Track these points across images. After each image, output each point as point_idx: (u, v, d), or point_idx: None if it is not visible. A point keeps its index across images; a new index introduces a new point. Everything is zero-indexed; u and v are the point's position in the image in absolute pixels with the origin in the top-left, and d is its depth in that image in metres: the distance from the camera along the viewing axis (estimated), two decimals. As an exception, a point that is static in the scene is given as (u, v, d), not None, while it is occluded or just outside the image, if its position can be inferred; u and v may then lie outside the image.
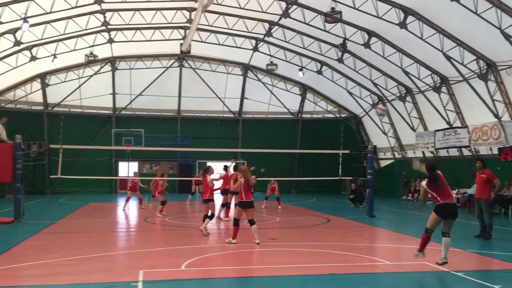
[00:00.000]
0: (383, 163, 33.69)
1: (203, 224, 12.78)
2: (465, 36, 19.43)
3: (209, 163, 33.33)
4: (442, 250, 8.71)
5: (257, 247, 11.34)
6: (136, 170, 22.29)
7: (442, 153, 25.70)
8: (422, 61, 22.81)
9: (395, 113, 28.67)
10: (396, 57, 23.19)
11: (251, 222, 11.64)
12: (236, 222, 11.69)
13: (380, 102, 29.73)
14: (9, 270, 8.79)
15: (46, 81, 30.60)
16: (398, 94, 27.32)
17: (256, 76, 33.02)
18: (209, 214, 12.77)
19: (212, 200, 12.86)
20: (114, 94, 32.23)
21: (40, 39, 24.39)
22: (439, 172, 8.89)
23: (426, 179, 8.83)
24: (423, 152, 27.30)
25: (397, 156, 31.28)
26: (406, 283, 8.30)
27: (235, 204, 13.80)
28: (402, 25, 19.93)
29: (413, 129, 27.46)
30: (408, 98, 26.88)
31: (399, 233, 14.22)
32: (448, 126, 23.95)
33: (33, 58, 26.38)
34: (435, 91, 23.53)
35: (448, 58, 20.39)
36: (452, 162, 25.24)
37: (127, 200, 20.71)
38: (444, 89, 23.33)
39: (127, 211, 20.10)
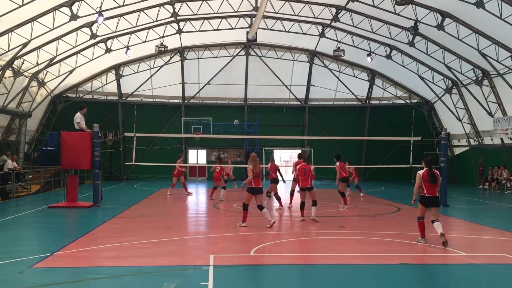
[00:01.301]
0: (457, 151, 32.20)
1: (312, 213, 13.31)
2: (550, 14, 18.02)
3: (275, 151, 34.08)
4: (437, 230, 10.03)
5: (326, 235, 11.25)
6: (182, 155, 23.19)
7: (523, 139, 24.15)
8: (501, 42, 21.40)
9: (470, 98, 27.21)
10: (473, 38, 21.93)
11: (260, 207, 12.08)
12: (245, 207, 12.19)
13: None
14: (88, 252, 9.32)
15: (120, 72, 31.93)
16: (474, 78, 25.88)
17: (323, 62, 32.56)
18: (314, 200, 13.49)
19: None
20: (183, 83, 33.05)
21: (114, 32, 25.44)
22: (436, 171, 10.35)
23: (425, 169, 10.26)
24: (501, 138, 25.78)
25: (472, 143, 29.77)
26: (483, 275, 7.91)
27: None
28: (479, 4, 18.78)
29: (490, 114, 25.96)
30: (485, 82, 25.40)
31: (475, 223, 13.58)
32: (530, 111, 22.42)
33: (108, 50, 27.58)
34: (516, 73, 22.07)
35: (531, 38, 19.03)
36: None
37: (172, 186, 21.82)
38: (525, 71, 21.83)
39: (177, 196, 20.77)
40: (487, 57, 22.58)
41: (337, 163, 17.31)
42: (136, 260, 8.58)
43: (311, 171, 13.24)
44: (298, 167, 13.11)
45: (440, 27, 21.95)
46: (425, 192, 10.26)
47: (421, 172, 10.30)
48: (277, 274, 7.89)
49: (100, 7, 21.25)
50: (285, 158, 41.02)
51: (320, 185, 26.85)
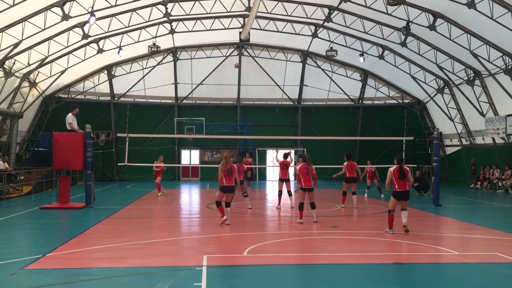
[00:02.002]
0: (449, 150, 32.39)
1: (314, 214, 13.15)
2: (541, 14, 18.15)
3: (268, 151, 34.11)
4: (402, 219, 11.36)
5: (319, 235, 11.27)
6: (161, 156, 22.46)
7: (514, 139, 24.33)
8: (492, 42, 21.56)
9: (462, 97, 27.38)
10: (464, 38, 22.07)
11: (227, 204, 12.52)
12: (217, 203, 12.56)
13: (446, 87, 28.57)
14: (81, 253, 9.27)
15: (112, 72, 31.80)
16: (465, 78, 26.05)
17: (316, 62, 32.62)
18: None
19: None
20: (176, 83, 32.98)
21: (106, 32, 25.33)
22: (406, 168, 11.45)
23: (395, 166, 11.40)
24: (493, 138, 25.96)
25: (464, 142, 29.95)
26: (475, 274, 7.95)
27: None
28: (471, 4, 18.90)
29: (482, 114, 26.14)
30: (477, 82, 25.56)
31: (467, 222, 13.65)
32: (521, 111, 22.59)
33: (100, 51, 27.46)
34: (507, 73, 22.21)
35: (522, 38, 19.17)
36: (525, 149, 23.87)
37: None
38: (517, 71, 21.98)
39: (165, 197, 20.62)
40: (479, 57, 22.73)
41: (345, 163, 17.15)
42: (129, 261, 8.55)
43: (313, 171, 13.17)
44: (299, 167, 13.04)
45: (432, 27, 22.07)
46: (396, 187, 11.32)
47: (392, 169, 11.41)
48: (271, 275, 7.89)
49: (92, 7, 21.17)
50: (279, 159, 40.97)
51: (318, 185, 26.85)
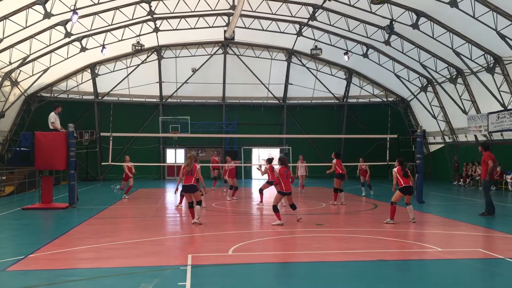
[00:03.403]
0: (433, 148, 32.74)
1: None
2: (521, 13, 18.42)
3: (254, 149, 34.11)
4: (409, 214, 12.82)
5: (304, 233, 11.30)
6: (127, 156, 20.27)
7: (496, 136, 24.68)
8: (474, 40, 21.84)
9: (445, 95, 27.70)
10: (447, 37, 22.32)
11: (196, 203, 12.63)
12: (190, 205, 12.78)
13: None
14: (64, 254, 9.17)
15: (96, 71, 31.51)
16: (448, 76, 26.34)
17: (300, 61, 32.70)
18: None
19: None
20: (160, 82, 32.80)
21: (89, 30, 25.08)
22: (406, 169, 12.87)
23: (397, 167, 12.76)
24: (475, 135, 26.31)
25: (447, 140, 30.30)
26: (458, 270, 8.05)
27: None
28: (453, 3, 19.11)
29: (464, 112, 26.47)
30: (459, 80, 25.88)
31: (450, 219, 13.81)
32: (502, 108, 22.90)
33: (83, 49, 27.17)
34: (489, 71, 22.51)
35: (503, 37, 19.41)
36: (507, 146, 24.21)
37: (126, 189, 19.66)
38: (498, 69, 22.27)
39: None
40: (461, 56, 23.00)
41: (334, 160, 17.19)
42: (113, 261, 8.48)
43: (291, 174, 13.05)
44: (279, 170, 12.79)
45: (415, 26, 22.27)
46: (402, 183, 12.63)
47: (395, 169, 12.79)
48: (256, 273, 7.89)
49: (75, 5, 20.96)
50: (264, 157, 41.04)
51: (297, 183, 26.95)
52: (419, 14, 21.81)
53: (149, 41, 29.10)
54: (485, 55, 22.24)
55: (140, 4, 24.09)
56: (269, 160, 16.50)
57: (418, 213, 15.25)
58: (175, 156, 34.22)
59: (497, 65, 22.17)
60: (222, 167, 20.56)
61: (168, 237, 11.18)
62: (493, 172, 15.16)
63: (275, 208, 12.51)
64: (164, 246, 10.17)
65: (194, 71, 31.82)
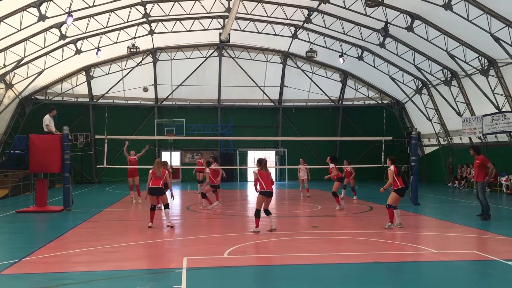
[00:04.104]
0: (428, 150, 32.85)
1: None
2: (514, 16, 18.54)
3: (249, 152, 34.10)
4: (396, 218, 12.00)
5: (299, 235, 11.30)
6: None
7: (490, 138, 24.79)
8: (468, 43, 21.95)
9: (440, 98, 27.79)
10: (441, 40, 22.41)
11: (164, 207, 12.70)
12: (152, 207, 12.74)
13: (424, 87, 28.97)
14: (59, 257, 9.13)
15: (91, 73, 31.42)
16: (443, 79, 26.45)
17: (296, 63, 32.75)
18: None
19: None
20: (155, 85, 32.74)
21: (84, 33, 25.01)
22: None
23: (392, 166, 12.21)
24: (469, 138, 26.41)
25: (442, 142, 30.41)
26: (453, 272, 8.06)
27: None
28: (447, 6, 19.19)
29: (459, 114, 26.58)
30: (454, 82, 25.99)
31: (445, 221, 13.86)
32: (496, 111, 23.02)
33: (78, 52, 27.10)
34: (483, 74, 22.62)
35: (497, 39, 19.50)
36: (502, 148, 24.33)
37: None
38: (492, 72, 22.38)
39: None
40: (455, 58, 23.11)
41: (332, 165, 17.03)
42: (108, 265, 8.45)
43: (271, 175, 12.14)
44: (257, 170, 11.81)
45: (409, 28, 22.35)
46: (398, 185, 12.03)
47: (391, 167, 12.16)
48: (251, 276, 7.88)
49: (69, 8, 20.88)
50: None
51: (295, 185, 26.97)
52: (413, 17, 21.90)
53: (144, 44, 29.07)
54: (480, 57, 22.36)
55: (135, 6, 24.05)
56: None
57: (413, 215, 15.31)
58: (171, 159, 34.12)
59: (491, 68, 22.28)
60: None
61: (163, 240, 11.15)
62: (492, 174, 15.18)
63: (257, 213, 11.64)
64: (159, 249, 10.15)
65: (146, 90, 31.45)
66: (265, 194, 11.67)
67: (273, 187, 12.06)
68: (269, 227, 11.77)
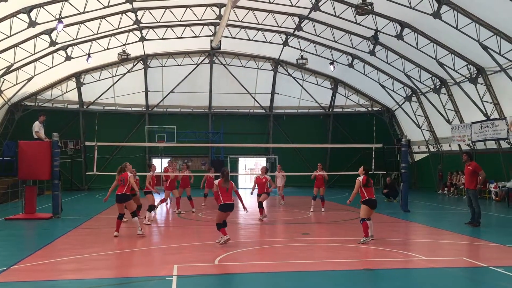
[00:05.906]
0: (418, 157, 33.07)
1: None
2: (502, 25, 18.77)
3: (240, 158, 34.09)
4: (369, 230, 11.01)
5: (290, 242, 11.29)
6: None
7: (479, 145, 25.01)
8: (457, 51, 22.20)
9: (429, 105, 28.04)
10: (430, 48, 22.65)
11: (132, 215, 12.46)
12: (120, 216, 12.46)
13: (413, 95, 29.21)
14: (48, 265, 9.04)
15: (81, 80, 31.29)
16: (432, 86, 26.70)
17: (287, 70, 32.88)
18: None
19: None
20: (146, 91, 32.69)
21: (74, 39, 24.92)
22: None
23: (362, 177, 11.33)
24: (459, 145, 26.63)
25: (432, 149, 30.63)
26: (443, 279, 8.10)
27: None
28: (436, 15, 19.42)
29: (448, 121, 26.82)
30: (443, 90, 26.24)
31: (435, 228, 13.93)
32: (485, 118, 23.26)
33: (68, 58, 26.99)
34: (471, 82, 22.87)
35: (485, 48, 19.76)
36: (490, 155, 24.55)
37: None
38: (480, 80, 22.64)
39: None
40: (444, 66, 23.35)
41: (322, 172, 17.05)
42: (98, 272, 8.39)
43: (234, 188, 11.18)
44: (217, 182, 10.90)
45: (399, 36, 22.56)
46: (366, 195, 11.17)
47: (360, 178, 11.32)
48: (242, 283, 7.86)
49: (60, 14, 20.80)
50: (250, 166, 41.06)
51: (289, 192, 26.97)
52: (403, 25, 22.12)
53: (135, 50, 29.03)
54: (468, 65, 22.61)
55: (126, 13, 24.05)
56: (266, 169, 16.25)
57: (403, 222, 15.38)
58: (161, 166, 33.96)
59: (480, 76, 22.54)
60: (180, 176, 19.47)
61: (153, 247, 11.09)
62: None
63: (219, 227, 10.87)
64: (150, 256, 10.09)
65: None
66: (224, 209, 10.79)
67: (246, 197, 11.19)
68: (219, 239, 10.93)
